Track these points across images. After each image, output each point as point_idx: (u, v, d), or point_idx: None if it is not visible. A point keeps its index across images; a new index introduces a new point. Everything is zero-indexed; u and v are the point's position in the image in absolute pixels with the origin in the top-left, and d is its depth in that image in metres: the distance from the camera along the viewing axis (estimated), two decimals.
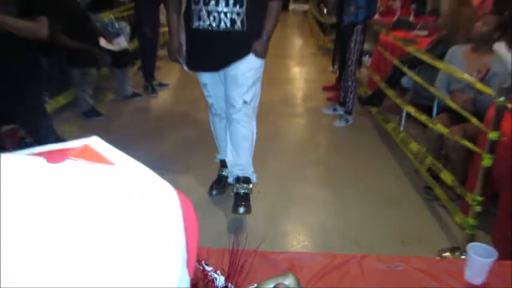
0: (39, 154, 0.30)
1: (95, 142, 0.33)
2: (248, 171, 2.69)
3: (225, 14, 2.34)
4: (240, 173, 2.67)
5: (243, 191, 2.63)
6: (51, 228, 0.26)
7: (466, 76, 2.73)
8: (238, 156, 2.65)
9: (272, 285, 0.90)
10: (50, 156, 0.29)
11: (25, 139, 3.42)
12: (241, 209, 2.56)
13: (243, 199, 2.61)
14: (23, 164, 0.29)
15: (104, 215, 0.28)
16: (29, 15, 2.28)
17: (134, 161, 0.33)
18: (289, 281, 0.92)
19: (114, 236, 0.28)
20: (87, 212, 0.28)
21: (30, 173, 0.28)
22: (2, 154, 0.29)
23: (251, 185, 2.69)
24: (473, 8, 3.79)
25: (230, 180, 2.75)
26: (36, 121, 2.60)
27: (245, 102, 2.52)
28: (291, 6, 12.93)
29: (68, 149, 0.30)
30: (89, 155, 0.31)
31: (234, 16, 2.35)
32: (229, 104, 2.57)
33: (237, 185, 2.66)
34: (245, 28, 2.38)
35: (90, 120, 4.35)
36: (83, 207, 0.28)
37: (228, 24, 2.36)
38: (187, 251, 0.34)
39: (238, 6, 2.34)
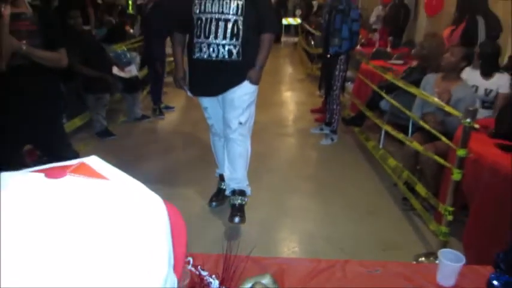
0: (40, 171, 0.29)
1: (93, 160, 0.33)
2: (243, 184, 2.68)
3: (223, 46, 2.36)
4: (236, 186, 2.66)
5: (239, 203, 2.62)
6: (49, 236, 0.26)
7: (436, 100, 2.75)
8: (235, 171, 2.64)
9: (251, 284, 0.89)
10: (50, 172, 0.29)
11: (44, 157, 3.40)
12: (236, 219, 2.55)
13: (238, 210, 2.60)
14: (24, 179, 0.28)
15: (96, 224, 0.28)
16: (51, 47, 2.30)
17: (127, 176, 0.33)
18: (266, 280, 0.91)
19: (103, 243, 0.27)
20: (83, 221, 0.27)
21: (31, 188, 0.28)
22: (3, 172, 0.29)
23: (246, 197, 2.68)
24: (442, 40, 3.84)
25: (227, 192, 2.74)
26: (56, 143, 2.58)
27: (240, 123, 2.52)
28: (283, 39, 13.03)
29: (66, 166, 0.30)
30: (85, 171, 0.30)
31: (231, 48, 2.37)
32: (226, 125, 2.58)
33: (233, 197, 2.65)
34: (241, 58, 2.40)
35: (104, 140, 4.33)
36: (79, 217, 0.27)
37: (226, 55, 2.38)
38: (175, 256, 0.33)
39: (234, 39, 2.36)
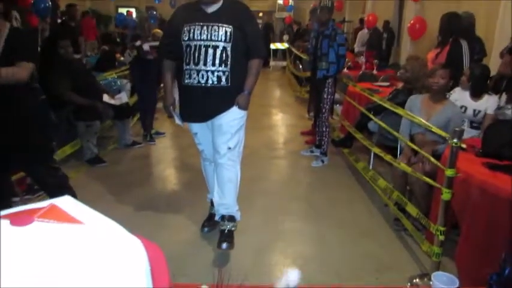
0: (6, 216, 0.27)
1: (65, 202, 0.30)
2: (233, 210, 2.64)
3: (212, 72, 2.37)
4: (225, 212, 2.62)
5: (228, 228, 2.58)
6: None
7: (423, 121, 2.77)
8: (224, 197, 2.60)
9: None
10: (15, 219, 0.26)
11: (34, 186, 3.33)
12: (224, 245, 2.51)
13: (227, 236, 2.56)
14: None
15: (69, 274, 0.26)
16: (10, 62, 2.13)
17: (104, 218, 0.31)
18: None
19: None
20: (53, 273, 0.25)
21: None
22: None
23: (235, 223, 2.64)
24: (424, 62, 3.91)
25: (217, 218, 2.70)
26: (45, 170, 2.53)
27: (229, 148, 2.51)
28: (272, 63, 13.17)
29: (34, 210, 0.28)
30: (56, 215, 0.28)
31: (220, 74, 2.38)
32: (215, 150, 2.56)
33: (223, 223, 2.60)
34: (229, 84, 2.41)
35: (94, 167, 4.27)
36: (48, 269, 0.25)
37: (215, 81, 2.38)
38: None
39: (223, 66, 2.37)
